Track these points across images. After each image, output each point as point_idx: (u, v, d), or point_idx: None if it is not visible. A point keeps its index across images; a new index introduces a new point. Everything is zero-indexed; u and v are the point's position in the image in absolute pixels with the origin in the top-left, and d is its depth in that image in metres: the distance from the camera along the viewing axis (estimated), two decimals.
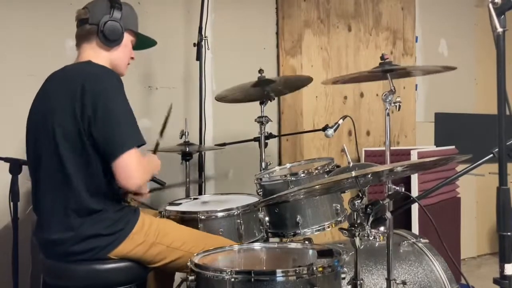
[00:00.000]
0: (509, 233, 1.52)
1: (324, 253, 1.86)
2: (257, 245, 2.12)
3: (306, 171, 2.52)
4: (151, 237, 2.03)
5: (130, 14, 2.20)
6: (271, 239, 2.55)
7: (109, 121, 1.93)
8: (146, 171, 2.03)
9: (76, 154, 1.95)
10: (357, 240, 1.74)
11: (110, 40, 2.10)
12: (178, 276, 2.50)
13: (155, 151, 2.42)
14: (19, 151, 2.27)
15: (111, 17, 2.09)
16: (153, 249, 2.03)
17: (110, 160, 1.93)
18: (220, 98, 3.06)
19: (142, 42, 2.31)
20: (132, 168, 1.93)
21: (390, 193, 2.06)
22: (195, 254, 1.89)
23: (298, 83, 3.25)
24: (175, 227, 2.18)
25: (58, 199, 1.98)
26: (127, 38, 2.18)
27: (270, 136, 3.13)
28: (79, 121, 1.93)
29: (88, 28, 2.11)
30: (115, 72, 2.06)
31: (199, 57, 3.29)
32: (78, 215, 1.95)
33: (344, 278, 1.78)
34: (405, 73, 2.66)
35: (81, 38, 2.14)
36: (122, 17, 2.11)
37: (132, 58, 2.25)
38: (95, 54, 2.11)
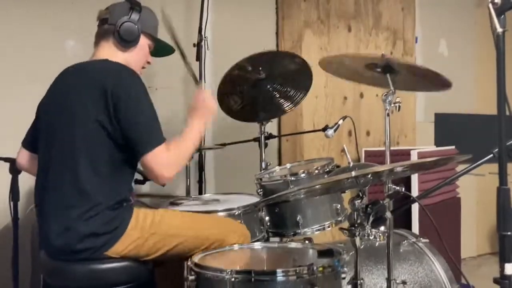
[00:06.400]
0: (509, 233, 1.52)
1: (324, 253, 1.87)
2: (257, 245, 2.12)
3: (306, 171, 2.52)
4: (147, 230, 2.02)
5: (149, 18, 2.22)
6: (271, 239, 2.55)
7: (137, 118, 1.95)
8: (179, 158, 2.03)
9: (94, 154, 1.95)
10: (357, 240, 1.75)
11: (125, 41, 2.12)
12: None
13: (196, 82, 2.50)
14: None
15: (129, 18, 2.12)
16: (149, 241, 2.02)
17: (140, 156, 1.94)
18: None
19: (160, 49, 2.33)
20: (164, 162, 1.94)
21: (390, 193, 2.06)
22: (194, 254, 1.90)
23: None
24: (170, 214, 2.17)
25: (59, 197, 1.97)
26: (144, 41, 2.19)
27: (270, 136, 3.13)
28: (104, 120, 1.94)
29: (106, 28, 2.14)
30: (133, 70, 2.08)
31: (199, 57, 3.29)
32: (77, 213, 1.94)
33: (344, 278, 1.78)
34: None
35: (100, 37, 2.17)
36: (140, 20, 2.14)
37: (148, 62, 2.27)
38: (111, 53, 2.13)
